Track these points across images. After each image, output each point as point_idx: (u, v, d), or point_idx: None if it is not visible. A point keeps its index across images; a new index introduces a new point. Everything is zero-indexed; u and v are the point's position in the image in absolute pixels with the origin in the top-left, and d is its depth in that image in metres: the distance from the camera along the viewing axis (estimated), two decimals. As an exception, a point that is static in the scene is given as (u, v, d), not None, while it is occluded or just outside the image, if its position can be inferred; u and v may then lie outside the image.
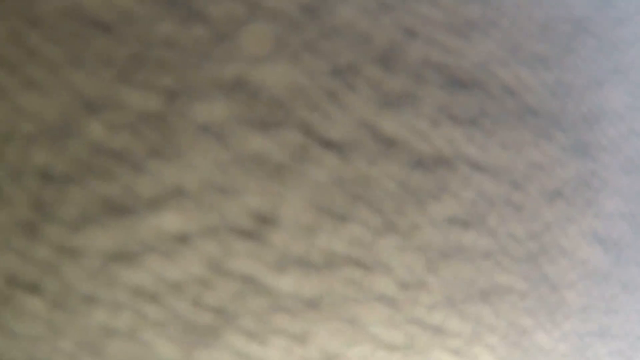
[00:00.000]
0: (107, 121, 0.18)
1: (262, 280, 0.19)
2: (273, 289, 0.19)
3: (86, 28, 0.18)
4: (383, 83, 0.20)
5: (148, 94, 0.18)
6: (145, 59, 0.18)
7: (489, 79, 0.23)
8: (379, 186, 0.20)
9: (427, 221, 0.21)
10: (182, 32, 0.18)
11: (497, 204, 0.23)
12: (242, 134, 0.18)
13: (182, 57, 0.18)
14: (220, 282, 0.18)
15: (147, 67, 0.18)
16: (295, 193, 0.19)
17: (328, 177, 0.19)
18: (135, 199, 0.17)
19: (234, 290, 0.18)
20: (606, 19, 0.29)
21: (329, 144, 0.19)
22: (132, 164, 0.17)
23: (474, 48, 0.23)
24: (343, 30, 0.20)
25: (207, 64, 0.18)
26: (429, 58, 0.21)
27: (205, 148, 0.18)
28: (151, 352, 0.18)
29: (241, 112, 0.18)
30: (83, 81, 0.18)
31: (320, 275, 0.19)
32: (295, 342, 0.19)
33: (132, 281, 0.18)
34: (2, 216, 0.17)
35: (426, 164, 0.21)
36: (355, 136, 0.20)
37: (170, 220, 0.18)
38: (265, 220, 0.18)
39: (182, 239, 0.18)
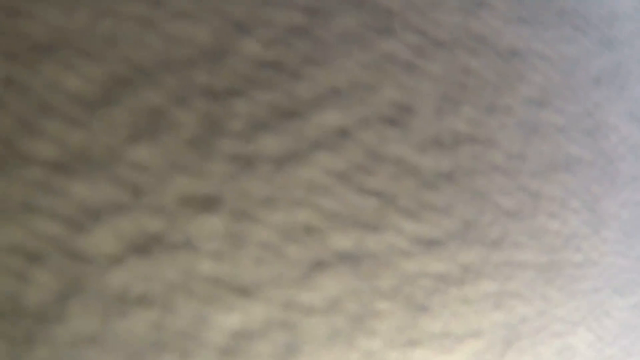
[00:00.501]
0: (259, 38, 0.20)
1: (410, 160, 0.22)
2: (419, 167, 0.22)
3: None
4: (464, -8, 0.24)
5: (291, 12, 0.21)
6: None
7: (535, -15, 0.27)
8: (478, 75, 0.24)
9: (516, 102, 0.25)
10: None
11: (559, 87, 0.27)
12: (373, 38, 0.21)
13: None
14: (378, 167, 0.21)
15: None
16: (422, 84, 0.22)
17: (443, 70, 0.23)
18: (298, 103, 0.20)
19: (390, 172, 0.22)
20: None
21: (439, 43, 0.23)
22: (290, 72, 0.20)
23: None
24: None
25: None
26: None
27: (348, 51, 0.21)
28: (328, 243, 0.21)
29: (368, 21, 0.21)
30: (229, 5, 0.21)
31: (451, 151, 0.23)
32: (441, 215, 0.23)
33: (304, 178, 0.21)
34: (172, 140, 0.19)
35: (505, 56, 0.25)
36: (456, 36, 0.23)
37: (331, 117, 0.21)
38: (404, 108, 0.22)
39: (343, 132, 0.21)
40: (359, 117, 0.21)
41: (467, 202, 0.23)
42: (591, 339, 0.30)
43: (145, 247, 0.19)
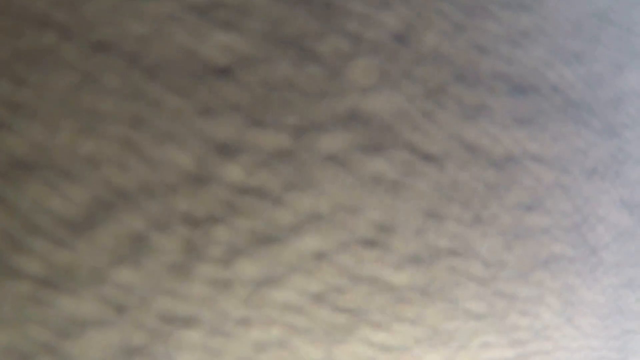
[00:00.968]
0: (242, 163, 0.20)
1: (385, 279, 0.22)
2: (394, 284, 0.22)
3: (205, 75, 0.20)
4: (464, 98, 0.23)
5: (277, 133, 0.20)
6: (270, 101, 0.21)
7: (541, 81, 0.26)
8: (467, 187, 0.23)
9: (503, 210, 0.25)
10: (298, 72, 0.21)
11: (550, 188, 0.27)
12: (360, 159, 0.21)
13: (302, 95, 0.21)
14: (353, 287, 0.22)
15: (273, 108, 0.21)
16: (406, 203, 0.22)
17: (430, 186, 0.22)
18: (278, 229, 0.20)
19: (364, 291, 0.22)
20: (622, 5, 0.32)
21: (429, 158, 0.22)
22: (271, 199, 0.20)
23: (528, 55, 0.26)
24: (430, 55, 0.23)
25: (324, 99, 0.21)
26: (496, 69, 0.25)
27: (333, 175, 0.21)
28: (298, 355, 0.22)
29: (358, 139, 0.21)
30: (215, 127, 0.20)
31: (428, 267, 0.23)
32: (412, 326, 0.23)
33: (279, 299, 0.21)
34: (153, 264, 0.20)
35: (499, 163, 0.24)
36: (448, 148, 0.23)
37: (310, 242, 0.21)
38: (385, 229, 0.22)
39: (320, 256, 0.21)
40: (338, 241, 0.21)
41: (437, 311, 0.24)
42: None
43: (128, 356, 0.19)
